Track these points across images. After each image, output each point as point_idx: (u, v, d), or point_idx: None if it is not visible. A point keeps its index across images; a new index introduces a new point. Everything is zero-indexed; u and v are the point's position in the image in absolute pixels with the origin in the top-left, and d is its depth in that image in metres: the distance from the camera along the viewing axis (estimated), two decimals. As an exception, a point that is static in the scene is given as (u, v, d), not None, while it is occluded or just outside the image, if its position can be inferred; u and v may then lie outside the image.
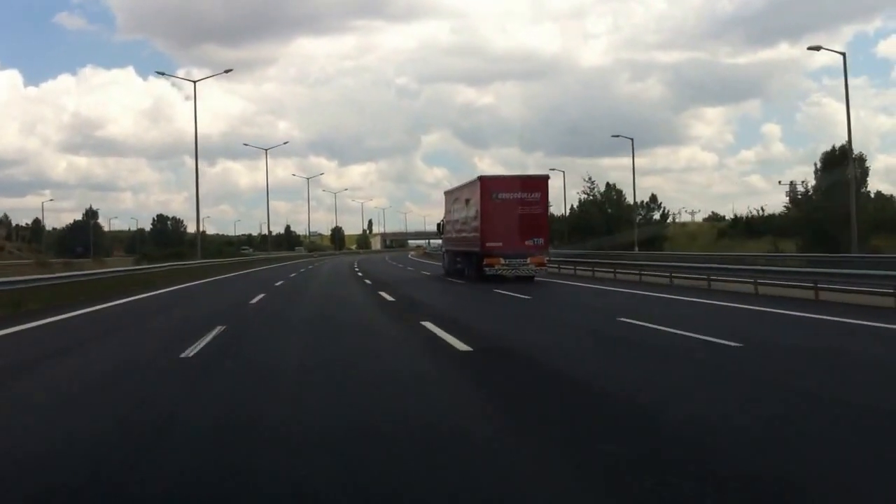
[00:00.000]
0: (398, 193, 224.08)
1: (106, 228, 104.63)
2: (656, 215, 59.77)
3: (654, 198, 60.38)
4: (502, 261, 24.77)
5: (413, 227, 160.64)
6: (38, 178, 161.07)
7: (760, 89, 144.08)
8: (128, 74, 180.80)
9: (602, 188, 61.49)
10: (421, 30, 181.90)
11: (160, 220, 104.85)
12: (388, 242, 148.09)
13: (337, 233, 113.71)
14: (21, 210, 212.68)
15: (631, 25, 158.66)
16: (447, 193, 31.92)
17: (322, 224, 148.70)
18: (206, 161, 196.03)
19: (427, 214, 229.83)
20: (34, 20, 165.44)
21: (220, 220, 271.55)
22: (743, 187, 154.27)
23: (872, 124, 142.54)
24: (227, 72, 43.65)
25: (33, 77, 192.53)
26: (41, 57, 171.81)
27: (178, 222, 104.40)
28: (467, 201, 27.02)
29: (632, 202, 53.81)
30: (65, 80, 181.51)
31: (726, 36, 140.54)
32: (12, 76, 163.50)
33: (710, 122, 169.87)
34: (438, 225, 33.98)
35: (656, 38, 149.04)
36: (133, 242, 75.99)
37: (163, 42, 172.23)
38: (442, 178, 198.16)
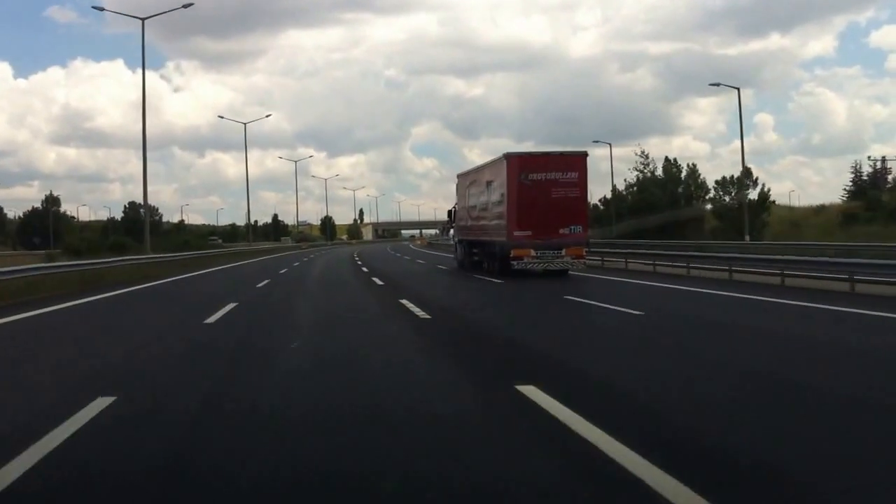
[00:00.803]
0: (387, 184, 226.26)
1: (87, 218, 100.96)
2: (752, 194, 46.85)
3: (748, 172, 47.17)
4: (532, 253, 21.51)
5: (406, 216, 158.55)
6: (27, 169, 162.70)
7: (752, 79, 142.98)
8: (117, 67, 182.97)
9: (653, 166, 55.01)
10: (409, 22, 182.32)
11: (132, 208, 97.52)
12: (379, 232, 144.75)
13: (327, 222, 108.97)
14: (11, 201, 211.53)
15: (621, 17, 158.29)
16: (462, 176, 28.60)
17: (311, 214, 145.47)
18: (195, 152, 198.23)
19: (421, 203, 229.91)
20: (26, 15, 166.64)
21: (209, 211, 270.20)
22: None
23: (867, 113, 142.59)
24: (185, 6, 35.11)
25: (23, 70, 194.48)
26: (32, 49, 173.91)
27: (152, 210, 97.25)
28: (489, 184, 23.72)
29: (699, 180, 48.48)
30: (54, 72, 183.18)
31: (717, 27, 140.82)
32: (2, 69, 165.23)
33: (702, 111, 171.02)
34: (449, 212, 30.65)
35: (646, 29, 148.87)
36: (105, 232, 72.07)
37: (151, 34, 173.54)
38: (431, 168, 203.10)
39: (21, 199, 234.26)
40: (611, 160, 65.63)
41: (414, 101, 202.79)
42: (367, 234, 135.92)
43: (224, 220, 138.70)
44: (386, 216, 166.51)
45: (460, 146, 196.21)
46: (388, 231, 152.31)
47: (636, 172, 56.84)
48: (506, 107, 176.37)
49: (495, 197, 22.87)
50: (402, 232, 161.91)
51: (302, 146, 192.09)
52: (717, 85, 46.99)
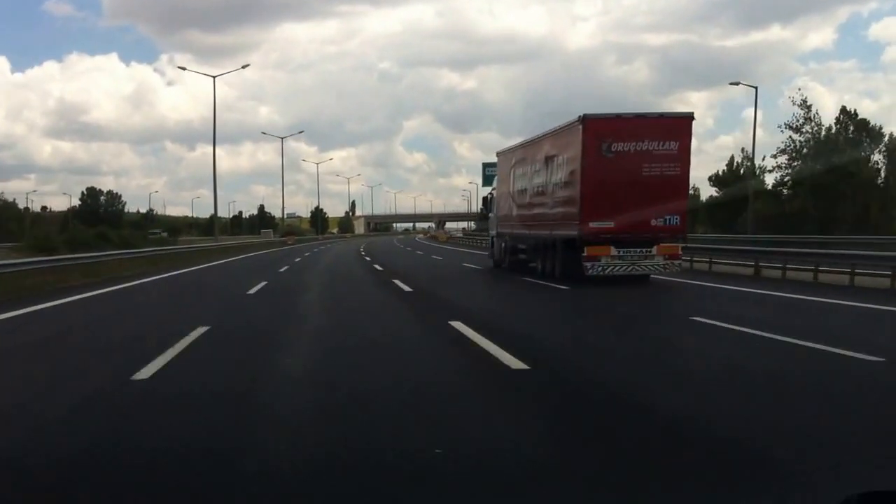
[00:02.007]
0: (378, 179, 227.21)
1: (57, 208, 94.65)
2: None
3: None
4: (613, 251, 16.36)
5: (400, 209, 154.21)
6: (23, 162, 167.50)
7: (750, 72, 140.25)
8: (112, 60, 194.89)
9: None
10: (406, 13, 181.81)
11: (90, 195, 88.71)
12: (372, 226, 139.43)
13: (318, 214, 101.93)
14: (8, 195, 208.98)
15: (622, 7, 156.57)
16: (504, 154, 23.35)
17: (301, 208, 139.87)
18: (185, 145, 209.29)
19: (417, 195, 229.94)
20: (24, 9, 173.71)
21: (199, 204, 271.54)
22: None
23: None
24: None
25: (20, 64, 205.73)
26: (29, 44, 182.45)
27: (114, 197, 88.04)
28: (549, 160, 18.50)
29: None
30: (50, 66, 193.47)
31: (719, 17, 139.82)
32: (0, 63, 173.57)
33: (693, 106, 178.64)
34: (485, 200, 25.41)
35: (647, 20, 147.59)
36: (66, 222, 66.32)
37: (146, 27, 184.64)
38: (422, 162, 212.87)
39: (18, 192, 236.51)
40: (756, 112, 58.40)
41: (407, 95, 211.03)
42: (360, 228, 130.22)
43: (195, 212, 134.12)
44: (378, 209, 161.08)
45: (451, 140, 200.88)
46: (380, 225, 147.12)
47: (789, 136, 41.61)
48: (498, 100, 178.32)
49: (560, 176, 17.66)
50: (395, 225, 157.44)
51: (293, 140, 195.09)
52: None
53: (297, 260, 29.18)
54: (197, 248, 37.48)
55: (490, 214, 25.04)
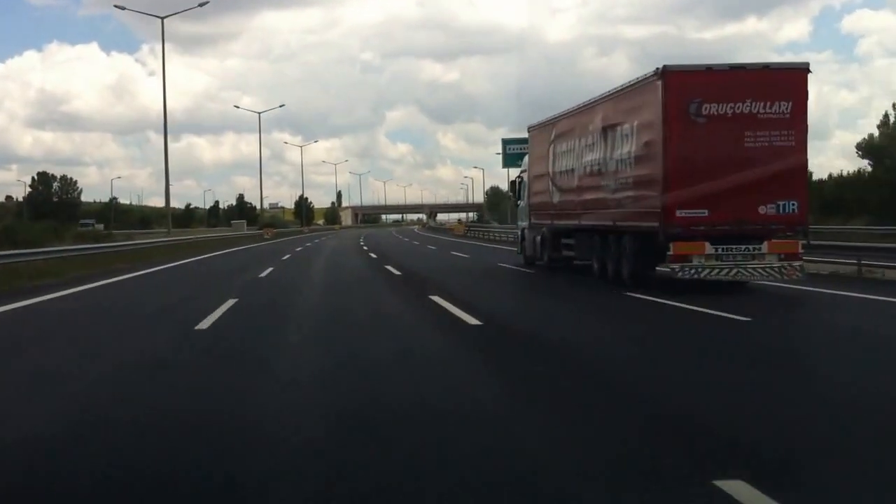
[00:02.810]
0: (362, 169, 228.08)
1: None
2: None
3: None
4: (709, 248, 12.51)
5: (390, 200, 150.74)
6: (5, 152, 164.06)
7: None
8: (92, 50, 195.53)
9: None
10: (387, 2, 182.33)
11: (42, 181, 79.19)
12: (360, 217, 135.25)
13: (302, 204, 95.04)
14: None
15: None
16: (539, 128, 19.36)
17: (286, 199, 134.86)
18: (169, 136, 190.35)
19: (407, 186, 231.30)
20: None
21: (183, 195, 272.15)
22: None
23: (834, 100, 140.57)
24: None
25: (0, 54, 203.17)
26: (9, 34, 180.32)
27: (68, 183, 79.10)
28: (609, 130, 14.54)
29: None
30: (30, 56, 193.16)
31: (697, 9, 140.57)
32: None
33: None
34: (512, 184, 21.51)
35: (625, 12, 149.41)
36: (19, 212, 61.75)
37: (127, 15, 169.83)
38: (406, 153, 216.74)
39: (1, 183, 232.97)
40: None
41: (390, 85, 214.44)
42: (347, 219, 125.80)
43: (208, 204, 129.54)
44: (366, 200, 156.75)
45: (434, 131, 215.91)
46: (368, 216, 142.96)
47: None
48: (481, 91, 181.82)
49: (628, 150, 13.75)
50: (384, 217, 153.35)
51: (277, 130, 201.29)
52: None
53: (266, 273, 18.70)
54: (132, 246, 27.78)
55: (519, 203, 21.14)
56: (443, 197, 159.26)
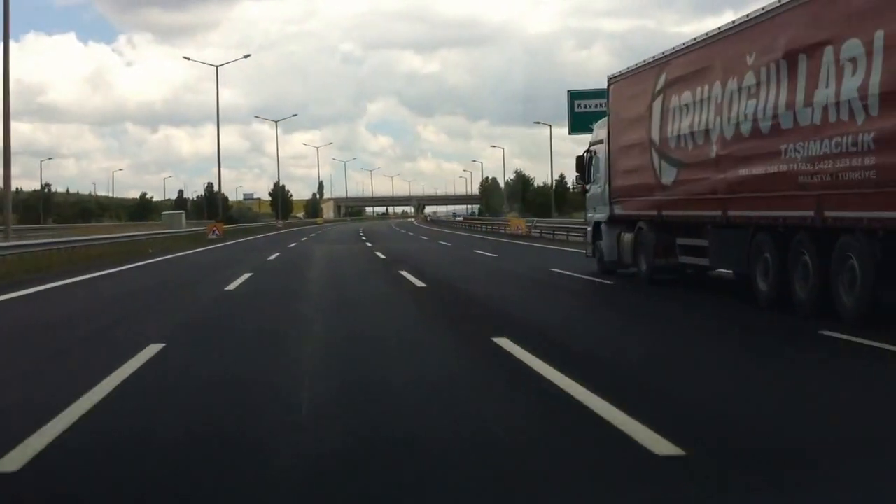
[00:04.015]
0: (342, 163, 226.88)
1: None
2: None
3: None
4: None
5: (376, 191, 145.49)
6: None
7: None
8: (69, 40, 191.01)
9: None
10: None
11: None
12: (343, 210, 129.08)
13: (279, 193, 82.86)
14: None
15: None
16: (630, 78, 13.31)
17: (264, 192, 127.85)
18: (147, 128, 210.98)
19: (395, 176, 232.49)
20: None
21: (159, 188, 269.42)
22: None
23: None
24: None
25: None
26: None
27: None
28: (803, 56, 8.66)
29: None
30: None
31: (677, 3, 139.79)
32: None
33: None
34: (580, 162, 15.55)
35: (605, 5, 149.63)
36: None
37: (104, 5, 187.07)
38: (387, 146, 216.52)
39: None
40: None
41: (370, 77, 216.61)
42: (329, 212, 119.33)
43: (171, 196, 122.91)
44: (349, 192, 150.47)
45: (415, 123, 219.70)
46: (352, 208, 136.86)
47: None
48: (462, 83, 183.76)
49: (859, 83, 7.88)
50: (373, 210, 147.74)
51: (257, 122, 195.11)
52: None
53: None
54: None
55: (589, 187, 15.32)
56: (430, 190, 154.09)
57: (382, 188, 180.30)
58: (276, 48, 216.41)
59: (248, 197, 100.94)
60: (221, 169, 50.16)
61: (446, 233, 47.28)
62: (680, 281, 12.17)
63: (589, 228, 15.46)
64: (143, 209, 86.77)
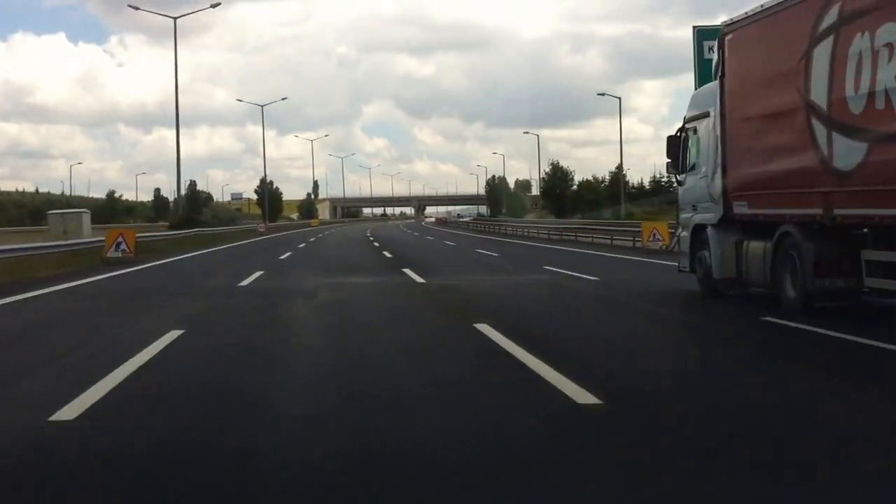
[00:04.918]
0: (337, 164, 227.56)
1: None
2: None
3: None
4: None
5: (374, 192, 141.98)
6: None
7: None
8: (58, 40, 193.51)
9: None
10: None
11: None
12: (340, 211, 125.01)
13: (266, 190, 73.55)
14: None
15: None
16: (773, 14, 9.23)
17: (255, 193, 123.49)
18: (141, 129, 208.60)
19: (395, 174, 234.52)
20: None
21: (150, 189, 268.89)
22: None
23: None
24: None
25: None
26: None
27: None
28: None
29: None
30: None
31: (671, 7, 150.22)
32: None
33: (648, 94, 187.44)
34: (670, 143, 11.43)
35: (599, 10, 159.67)
36: None
37: (95, 5, 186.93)
38: (382, 148, 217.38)
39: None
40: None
41: (365, 79, 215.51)
42: (324, 213, 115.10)
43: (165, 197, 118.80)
44: (340, 192, 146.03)
45: (410, 126, 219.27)
46: (349, 209, 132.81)
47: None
48: (457, 87, 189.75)
49: None
50: (371, 211, 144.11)
51: (251, 124, 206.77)
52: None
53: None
54: None
55: (684, 178, 11.45)
56: (430, 190, 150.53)
57: (380, 189, 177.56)
58: (270, 50, 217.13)
59: (236, 196, 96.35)
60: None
61: (475, 239, 37.61)
62: (851, 310, 8.38)
63: (684, 233, 11.46)
64: (109, 210, 79.63)
